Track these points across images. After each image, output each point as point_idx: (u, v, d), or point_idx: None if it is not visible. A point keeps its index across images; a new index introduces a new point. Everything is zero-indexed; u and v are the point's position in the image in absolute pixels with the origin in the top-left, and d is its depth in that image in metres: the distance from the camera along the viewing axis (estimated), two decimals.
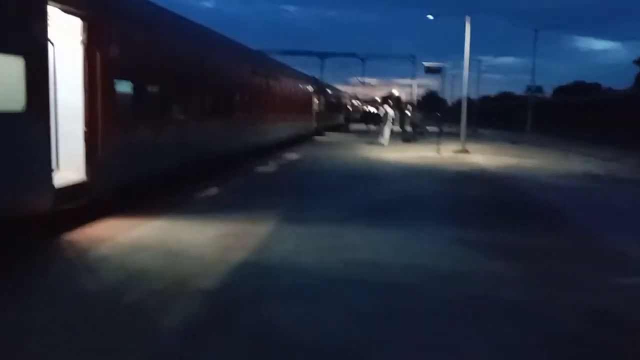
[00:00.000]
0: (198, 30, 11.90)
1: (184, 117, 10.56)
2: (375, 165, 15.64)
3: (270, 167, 14.72)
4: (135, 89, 8.48)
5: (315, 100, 30.33)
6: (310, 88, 28.73)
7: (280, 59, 33.36)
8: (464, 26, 21.70)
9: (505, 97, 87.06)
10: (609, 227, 8.24)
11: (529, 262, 6.12)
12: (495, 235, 7.35)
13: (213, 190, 10.33)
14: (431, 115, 49.18)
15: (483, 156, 19.87)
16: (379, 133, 26.89)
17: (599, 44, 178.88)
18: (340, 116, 44.37)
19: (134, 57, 8.35)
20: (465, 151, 21.06)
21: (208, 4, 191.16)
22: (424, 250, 6.49)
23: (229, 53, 14.19)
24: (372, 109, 61.66)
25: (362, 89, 77.25)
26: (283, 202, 9.42)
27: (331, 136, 32.11)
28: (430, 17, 20.99)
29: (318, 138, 29.27)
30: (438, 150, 20.56)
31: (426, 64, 20.61)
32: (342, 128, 41.18)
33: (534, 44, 39.13)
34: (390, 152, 20.61)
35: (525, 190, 11.59)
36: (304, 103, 26.59)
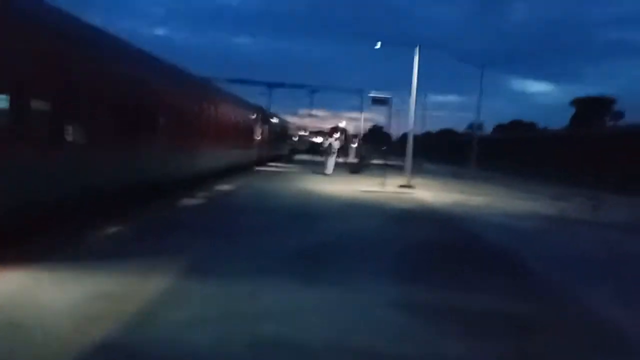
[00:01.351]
0: (106, 40, 10.17)
1: (86, 138, 8.75)
2: (316, 201, 14.18)
3: (196, 199, 12.95)
4: (12, 101, 6.71)
5: (258, 129, 28.85)
6: (252, 116, 27.26)
7: (229, 87, 31.91)
8: (412, 60, 21.04)
9: (447, 133, 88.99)
10: (579, 281, 7.06)
11: (496, 339, 4.71)
12: (450, 296, 5.94)
13: (115, 228, 8.51)
14: (377, 149, 48.93)
15: (429, 192, 18.86)
16: (324, 164, 26.67)
17: (535, 86, 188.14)
18: (285, 146, 43.13)
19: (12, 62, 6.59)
20: (411, 186, 20.02)
21: (159, 32, 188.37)
22: (362, 321, 4.96)
23: (152, 70, 12.52)
24: (319, 140, 61.14)
25: (310, 121, 76.88)
26: (197, 245, 7.73)
27: (274, 167, 30.57)
28: (378, 44, 20.09)
29: (260, 168, 27.68)
30: (383, 184, 19.41)
31: (373, 94, 19.59)
32: (286, 158, 39.82)
33: (480, 80, 39.52)
34: (334, 185, 19.28)
35: (478, 234, 10.40)
36: (245, 131, 25.02)
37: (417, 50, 20.80)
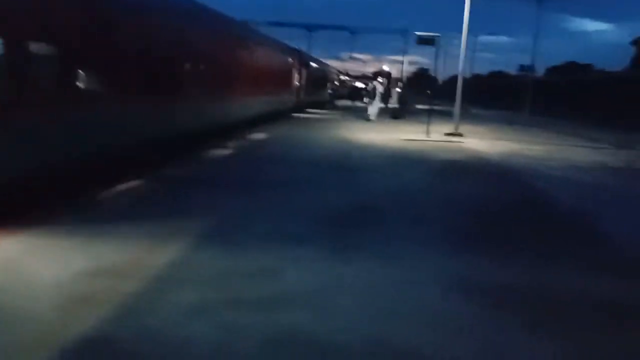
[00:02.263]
0: None
1: (107, 88, 7.92)
2: (355, 151, 13.10)
3: (227, 150, 12.12)
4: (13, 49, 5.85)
5: (296, 74, 27.56)
6: (290, 60, 25.94)
7: (268, 31, 30.50)
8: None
9: (496, 76, 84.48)
10: None
11: (607, 343, 3.66)
12: (525, 272, 4.89)
13: (135, 184, 7.77)
14: (422, 93, 46.73)
15: (480, 140, 17.40)
16: (367, 109, 26.02)
17: (592, 25, 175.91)
18: (325, 92, 41.60)
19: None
20: (460, 134, 18.56)
21: None
22: (409, 310, 4.00)
23: (177, 13, 11.46)
24: (361, 85, 59.17)
25: (353, 65, 74.52)
26: (221, 204, 6.90)
27: (313, 113, 29.42)
28: None
29: (297, 115, 26.61)
30: (428, 133, 18.04)
31: (419, 33, 17.89)
32: (327, 104, 38.46)
33: (536, 17, 36.44)
34: (375, 133, 18.06)
35: (543, 189, 9.15)
36: (282, 76, 23.84)
37: None
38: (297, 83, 27.74)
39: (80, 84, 7.37)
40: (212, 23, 13.82)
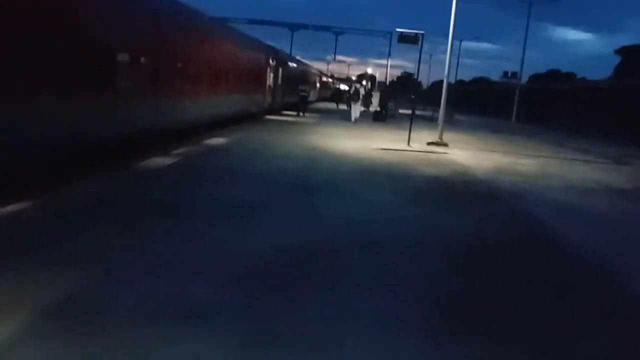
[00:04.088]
0: None
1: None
2: (324, 164, 11.23)
3: (169, 158, 10.17)
4: None
5: (271, 74, 25.62)
6: (264, 58, 24.01)
7: (248, 29, 28.60)
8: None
9: (480, 82, 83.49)
10: None
11: None
12: None
13: (16, 207, 5.81)
14: (405, 97, 45.21)
15: (466, 152, 15.69)
16: (350, 112, 26.31)
17: (573, 34, 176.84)
18: (304, 93, 39.66)
19: None
20: (443, 143, 16.85)
21: None
22: None
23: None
24: (344, 87, 57.72)
25: (337, 67, 73.06)
26: (114, 246, 4.98)
27: (288, 116, 27.54)
28: None
29: (271, 118, 24.70)
30: (409, 141, 16.28)
31: (400, 30, 16.14)
32: (305, 106, 36.52)
33: (527, 22, 35.04)
34: (351, 140, 16.26)
35: (546, 224, 7.32)
36: (253, 75, 21.88)
37: None
38: (271, 83, 25.81)
39: None
40: (155, 8, 11.85)
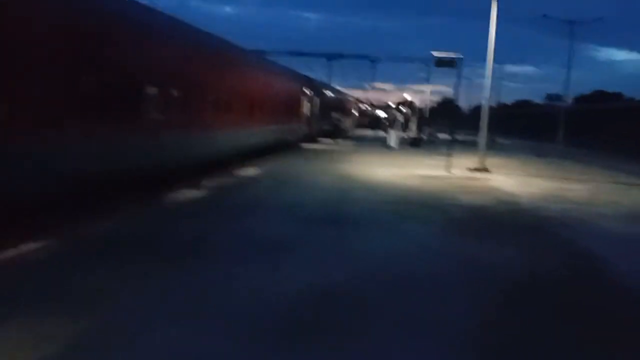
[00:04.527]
0: None
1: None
2: (358, 194, 10.75)
3: (199, 191, 9.93)
4: None
5: (307, 103, 25.56)
6: (300, 88, 23.99)
7: (287, 61, 29.02)
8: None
9: (522, 105, 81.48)
10: None
11: None
12: None
13: (32, 246, 5.59)
14: (446, 123, 44.43)
15: (509, 178, 14.90)
16: (388, 139, 26.76)
17: (618, 54, 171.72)
18: (341, 121, 39.52)
19: None
20: (485, 169, 16.11)
21: (228, 11, 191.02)
22: None
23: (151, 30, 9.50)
24: (383, 114, 57.51)
25: (375, 94, 73.10)
26: (116, 289, 4.65)
27: (325, 144, 27.31)
28: None
29: (308, 146, 24.50)
30: (449, 168, 15.63)
31: (437, 54, 15.69)
32: (343, 134, 36.28)
33: (569, 48, 34.13)
34: (389, 168, 15.74)
35: (606, 262, 6.56)
36: (289, 104, 21.81)
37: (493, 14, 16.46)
38: (307, 112, 25.73)
39: None
40: (193, 42, 11.85)
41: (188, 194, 9.54)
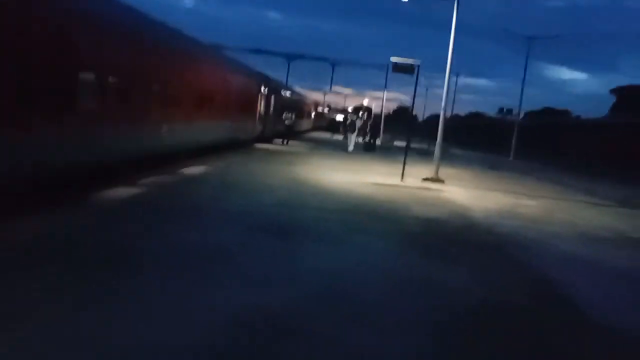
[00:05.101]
0: None
1: None
2: (307, 199, 10.18)
3: (134, 188, 9.09)
4: None
5: (262, 101, 24.78)
6: (254, 85, 23.19)
7: (248, 58, 28.32)
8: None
9: (476, 117, 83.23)
10: None
11: None
12: None
13: None
14: (401, 130, 44.59)
15: (463, 190, 14.69)
16: (347, 142, 27.23)
17: (567, 74, 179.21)
18: (297, 122, 38.87)
19: None
20: (439, 180, 15.87)
21: (188, 4, 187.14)
22: None
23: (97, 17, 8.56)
24: (340, 118, 57.43)
25: (334, 97, 73.03)
26: (43, 300, 3.88)
27: (279, 144, 26.64)
28: None
29: (261, 146, 23.77)
30: (403, 176, 15.29)
31: (395, 59, 15.35)
32: (298, 135, 35.65)
33: (525, 60, 34.90)
34: (341, 172, 15.26)
35: (563, 286, 6.26)
36: (242, 101, 20.98)
37: (454, 12, 16.32)
38: (262, 111, 24.95)
39: None
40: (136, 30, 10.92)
41: (123, 192, 8.69)
